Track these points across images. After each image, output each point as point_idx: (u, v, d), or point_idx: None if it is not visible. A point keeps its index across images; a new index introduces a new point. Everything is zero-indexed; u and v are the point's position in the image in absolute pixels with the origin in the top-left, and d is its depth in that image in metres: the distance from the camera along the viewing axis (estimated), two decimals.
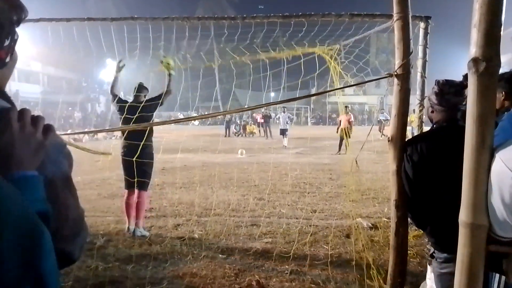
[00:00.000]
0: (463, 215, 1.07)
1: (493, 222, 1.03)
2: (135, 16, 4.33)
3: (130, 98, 4.89)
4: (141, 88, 4.91)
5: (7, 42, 0.80)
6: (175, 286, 3.31)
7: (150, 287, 3.23)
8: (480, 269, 1.06)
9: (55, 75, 42.45)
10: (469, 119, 1.04)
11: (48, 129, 0.79)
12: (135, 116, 4.36)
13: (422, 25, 4.49)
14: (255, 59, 5.99)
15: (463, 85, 1.95)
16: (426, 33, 4.48)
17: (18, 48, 0.88)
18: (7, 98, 0.82)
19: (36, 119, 0.77)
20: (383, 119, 21.44)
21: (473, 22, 0.99)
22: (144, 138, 4.36)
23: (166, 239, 4.53)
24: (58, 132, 0.88)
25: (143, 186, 4.58)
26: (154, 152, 4.74)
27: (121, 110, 4.62)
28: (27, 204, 0.65)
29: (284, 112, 18.21)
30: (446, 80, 2.03)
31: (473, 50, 0.99)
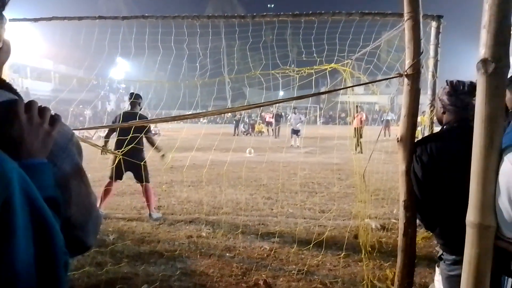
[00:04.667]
0: (471, 216, 1.06)
1: (501, 224, 1.03)
2: (146, 14, 4.37)
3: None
4: (137, 96, 5.54)
5: None
6: (184, 284, 3.34)
7: (159, 284, 3.26)
8: (488, 270, 1.05)
9: (66, 73, 43.01)
10: (477, 120, 1.03)
11: (55, 119, 0.82)
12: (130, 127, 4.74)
13: (434, 24, 4.44)
14: (265, 72, 6.02)
15: (475, 85, 1.94)
16: (438, 32, 4.43)
17: (30, 46, 0.90)
18: (14, 91, 0.85)
19: (43, 110, 0.80)
20: (390, 119, 21.39)
21: (482, 23, 0.98)
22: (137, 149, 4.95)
23: (174, 237, 4.58)
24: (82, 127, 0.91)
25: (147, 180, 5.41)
26: (164, 150, 5.52)
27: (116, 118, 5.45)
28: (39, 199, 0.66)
29: (295, 113, 17.40)
30: (458, 80, 2.01)
31: (482, 51, 0.98)
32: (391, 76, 2.28)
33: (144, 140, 5.22)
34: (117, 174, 5.16)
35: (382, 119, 22.96)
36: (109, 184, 5.35)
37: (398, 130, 2.22)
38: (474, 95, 1.90)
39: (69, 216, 0.82)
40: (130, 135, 4.52)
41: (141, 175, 5.18)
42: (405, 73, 2.06)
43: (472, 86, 1.95)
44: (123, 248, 4.10)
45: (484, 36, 0.97)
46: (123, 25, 4.53)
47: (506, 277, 1.36)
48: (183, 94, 6.38)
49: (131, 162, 4.75)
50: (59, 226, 0.71)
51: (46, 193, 0.71)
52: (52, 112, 0.82)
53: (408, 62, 2.06)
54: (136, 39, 5.15)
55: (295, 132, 16.87)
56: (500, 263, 1.07)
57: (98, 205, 5.30)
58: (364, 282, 3.24)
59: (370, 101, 44.24)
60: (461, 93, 1.95)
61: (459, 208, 1.82)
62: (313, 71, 5.25)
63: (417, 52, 2.04)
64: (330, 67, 5.17)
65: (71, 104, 26.39)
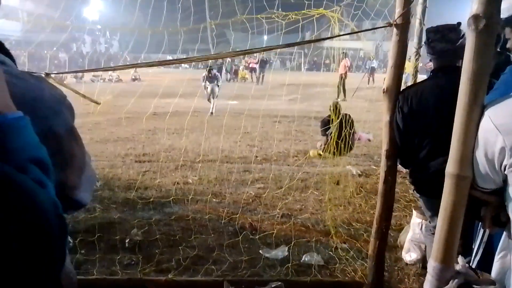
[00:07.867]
0: (450, 167, 1.13)
1: (476, 175, 1.10)
2: None
3: None
4: None
5: None
6: (172, 228, 3.47)
7: (148, 229, 3.38)
8: (461, 216, 1.15)
9: (35, 11, 40.03)
10: (464, 76, 1.06)
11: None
12: None
13: None
14: (250, 17, 5.77)
15: (451, 28, 1.95)
16: None
17: None
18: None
19: None
20: (375, 66, 21.46)
21: None
22: None
23: (161, 183, 4.66)
24: (58, 72, 0.87)
25: None
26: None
27: None
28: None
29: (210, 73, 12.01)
30: (433, 26, 2.03)
31: (475, 6, 0.99)
32: (379, 26, 2.26)
33: None
34: None
35: (366, 66, 22.95)
36: None
37: (382, 77, 2.25)
38: (451, 41, 1.92)
39: (65, 179, 0.82)
40: None
41: None
42: (395, 22, 2.04)
43: (449, 29, 1.95)
44: (110, 195, 4.18)
45: None
46: None
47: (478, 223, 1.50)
48: (164, 39, 6.13)
49: None
50: (51, 186, 0.63)
51: (30, 154, 0.62)
52: (27, 61, 0.74)
53: (398, 11, 2.03)
54: None
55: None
56: (472, 210, 1.16)
57: None
58: (344, 224, 3.45)
59: (355, 47, 43.61)
60: (432, 41, 1.99)
61: (429, 155, 1.98)
62: (300, 17, 5.10)
63: (407, 1, 2.00)
64: (318, 13, 5.03)
65: (44, 46, 25.06)
